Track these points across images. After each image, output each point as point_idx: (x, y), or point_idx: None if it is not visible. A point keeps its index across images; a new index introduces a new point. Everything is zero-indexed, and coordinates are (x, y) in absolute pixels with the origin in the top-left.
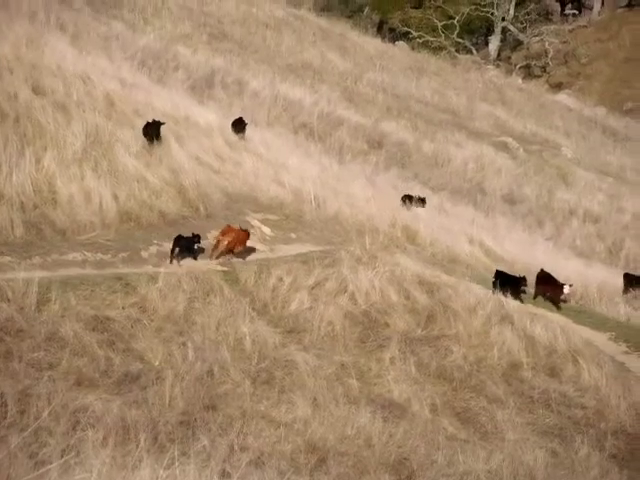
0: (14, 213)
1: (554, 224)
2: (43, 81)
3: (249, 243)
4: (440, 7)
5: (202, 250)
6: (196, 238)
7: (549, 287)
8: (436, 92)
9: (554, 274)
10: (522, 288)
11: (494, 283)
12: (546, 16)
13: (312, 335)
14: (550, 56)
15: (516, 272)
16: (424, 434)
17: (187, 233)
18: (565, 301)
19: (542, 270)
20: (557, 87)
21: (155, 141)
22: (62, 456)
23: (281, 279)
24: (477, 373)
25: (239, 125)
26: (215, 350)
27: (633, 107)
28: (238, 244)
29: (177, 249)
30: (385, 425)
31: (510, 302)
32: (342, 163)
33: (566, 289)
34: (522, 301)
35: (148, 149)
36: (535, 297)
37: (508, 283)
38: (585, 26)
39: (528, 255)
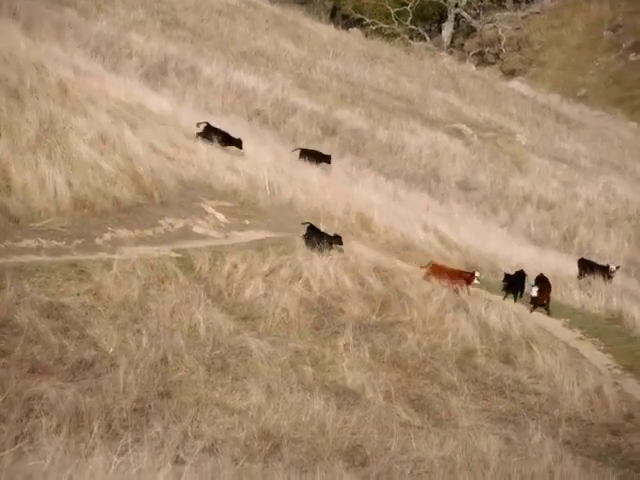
0: None
1: (508, 211)
2: None
3: None
4: None
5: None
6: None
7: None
8: (390, 79)
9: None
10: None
11: (505, 288)
12: (499, 3)
13: (266, 322)
14: (503, 43)
15: (471, 260)
16: (378, 421)
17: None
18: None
19: (541, 275)
20: (510, 74)
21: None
22: (16, 443)
23: (236, 266)
24: (431, 360)
25: (317, 157)
26: (169, 337)
27: (587, 94)
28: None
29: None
30: (339, 412)
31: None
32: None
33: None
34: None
35: (102, 136)
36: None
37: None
38: (538, 13)
39: (483, 242)
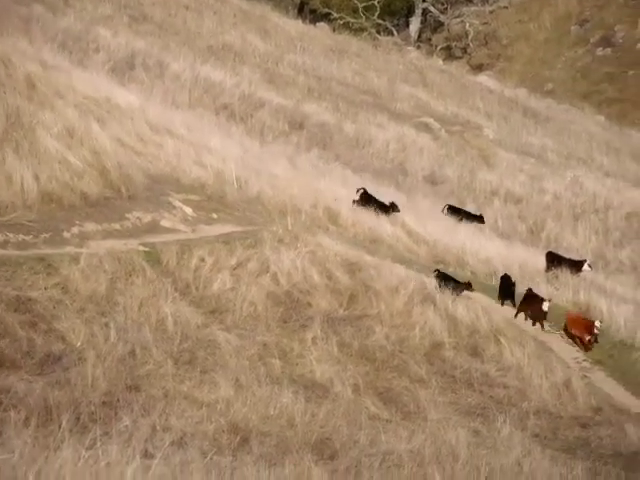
0: None
1: (476, 205)
2: None
3: None
4: None
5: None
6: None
7: (532, 306)
8: (357, 74)
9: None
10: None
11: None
12: None
13: (234, 315)
14: (471, 37)
15: (439, 254)
16: (346, 414)
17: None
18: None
19: (530, 289)
20: (478, 68)
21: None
22: None
23: (203, 259)
24: (399, 353)
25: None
26: (137, 331)
27: (554, 88)
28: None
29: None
30: (307, 405)
31: (432, 282)
32: (264, 144)
33: (545, 305)
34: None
35: (70, 131)
36: (516, 315)
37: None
38: (506, 7)
39: (450, 236)
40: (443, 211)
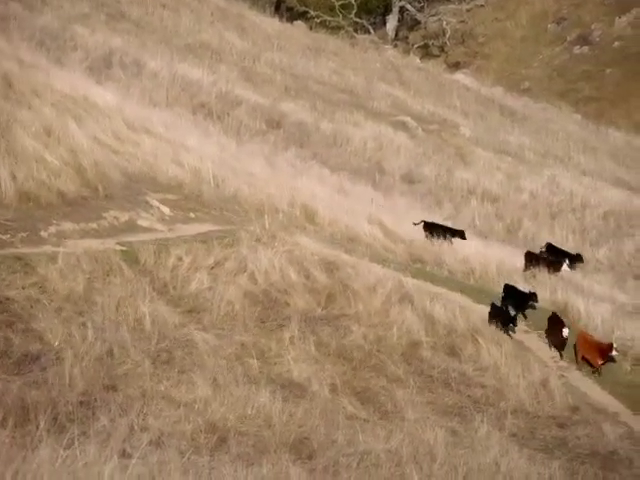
0: None
1: (453, 204)
2: None
3: None
4: None
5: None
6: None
7: (555, 332)
8: (334, 72)
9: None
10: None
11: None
12: None
13: (212, 315)
14: (448, 36)
15: (416, 252)
16: (324, 414)
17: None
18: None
19: (554, 313)
20: (455, 67)
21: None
22: None
23: (180, 259)
24: (377, 352)
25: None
26: (115, 330)
27: (531, 86)
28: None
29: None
30: (285, 405)
31: (409, 281)
32: (241, 143)
33: (565, 332)
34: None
35: (47, 129)
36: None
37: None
38: (482, 6)
39: None
40: (418, 225)
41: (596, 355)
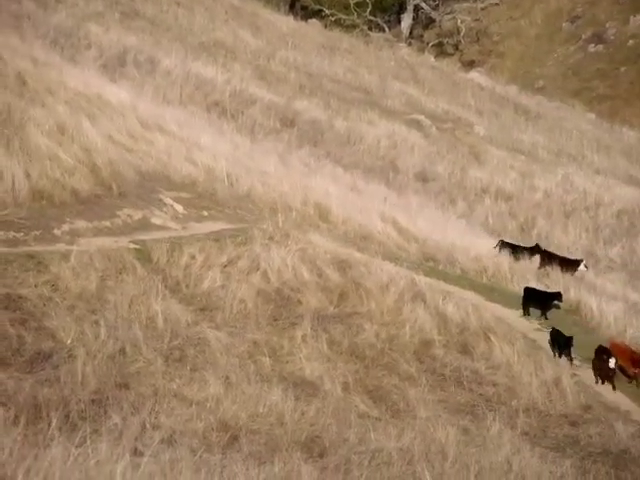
0: None
1: (466, 202)
2: None
3: None
4: None
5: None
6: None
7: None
8: (349, 70)
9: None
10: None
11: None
12: None
13: (224, 313)
14: (462, 34)
15: (429, 251)
16: (336, 412)
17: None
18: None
19: (601, 346)
20: (469, 65)
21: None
22: None
23: (193, 257)
24: (389, 351)
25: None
26: (127, 328)
27: (545, 85)
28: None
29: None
30: (297, 403)
31: (422, 279)
32: (255, 141)
33: (612, 362)
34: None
35: (61, 127)
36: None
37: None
38: (497, 4)
39: (440, 233)
40: (496, 247)
41: (629, 364)
